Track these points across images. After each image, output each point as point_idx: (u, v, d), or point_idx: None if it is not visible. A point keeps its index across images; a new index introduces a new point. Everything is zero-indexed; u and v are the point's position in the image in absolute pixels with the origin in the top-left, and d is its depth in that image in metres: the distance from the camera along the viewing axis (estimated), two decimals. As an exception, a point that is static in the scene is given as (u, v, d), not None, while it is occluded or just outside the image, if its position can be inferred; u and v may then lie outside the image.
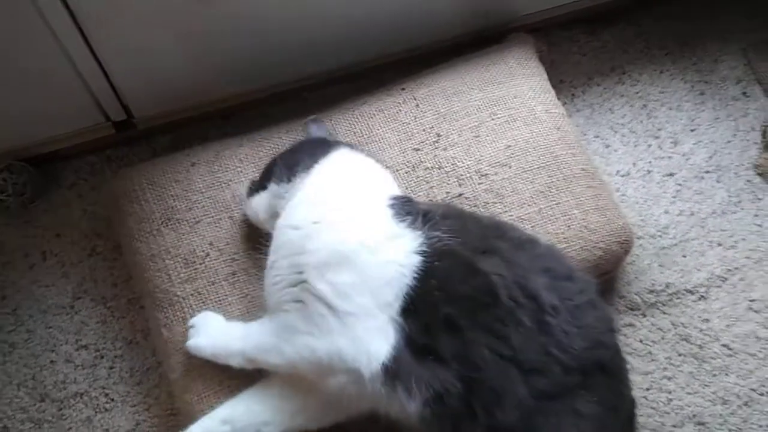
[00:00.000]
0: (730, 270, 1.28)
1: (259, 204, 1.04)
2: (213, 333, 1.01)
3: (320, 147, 1.05)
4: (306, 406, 0.96)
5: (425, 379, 0.87)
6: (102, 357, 1.18)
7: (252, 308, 1.07)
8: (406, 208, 0.96)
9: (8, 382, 1.16)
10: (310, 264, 0.91)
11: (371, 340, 0.88)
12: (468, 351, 0.87)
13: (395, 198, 0.99)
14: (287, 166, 1.02)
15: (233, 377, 1.00)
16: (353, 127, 1.20)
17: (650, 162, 1.38)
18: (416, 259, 0.90)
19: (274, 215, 1.00)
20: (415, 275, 0.89)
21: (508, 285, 0.90)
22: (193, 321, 1.03)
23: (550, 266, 0.96)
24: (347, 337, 0.88)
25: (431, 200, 1.14)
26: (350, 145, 1.10)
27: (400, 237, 0.92)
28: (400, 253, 0.90)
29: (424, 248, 0.91)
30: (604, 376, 0.92)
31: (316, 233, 0.93)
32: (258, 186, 1.06)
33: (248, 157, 1.17)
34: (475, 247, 0.93)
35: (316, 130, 1.14)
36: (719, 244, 1.31)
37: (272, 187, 1.02)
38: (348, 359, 0.88)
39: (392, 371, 0.87)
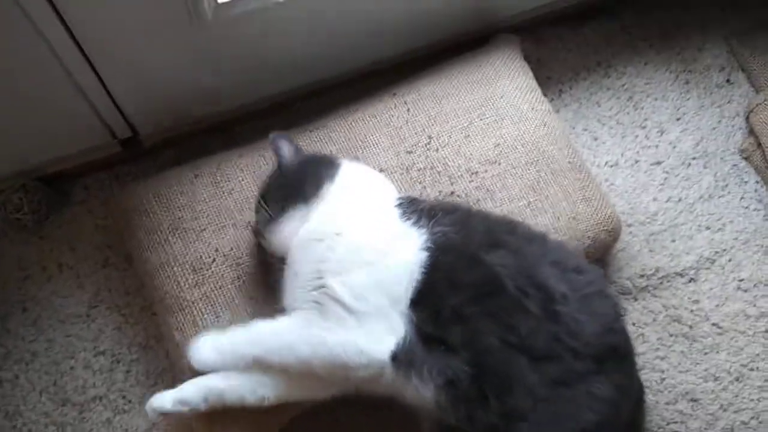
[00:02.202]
0: (718, 252, 1.32)
1: (287, 227, 1.03)
2: (220, 344, 1.01)
3: (331, 160, 1.10)
4: (305, 378, 0.98)
5: (437, 366, 0.91)
6: (118, 362, 1.23)
7: (259, 310, 1.11)
8: (411, 207, 1.03)
9: (31, 389, 1.22)
10: (330, 270, 0.96)
11: (385, 333, 0.93)
12: (476, 339, 0.91)
13: (401, 198, 1.06)
14: (313, 183, 1.04)
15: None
16: (348, 133, 1.25)
17: (638, 152, 1.42)
18: (423, 255, 0.96)
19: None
20: (423, 270, 0.95)
21: (514, 275, 0.94)
22: (198, 338, 1.03)
23: (559, 259, 1.00)
24: (362, 331, 0.93)
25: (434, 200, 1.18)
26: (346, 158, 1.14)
27: (408, 235, 0.98)
28: (408, 251, 0.96)
29: (430, 244, 0.96)
30: (616, 360, 0.96)
31: (336, 243, 0.98)
32: (280, 210, 1.04)
33: (248, 166, 1.22)
34: (480, 241, 0.98)
35: (284, 144, 1.11)
36: (707, 228, 1.35)
37: (300, 208, 1.03)
38: (364, 351, 0.93)
39: (405, 361, 0.92)
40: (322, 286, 0.96)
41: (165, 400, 0.98)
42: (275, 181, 1.10)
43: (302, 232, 1.02)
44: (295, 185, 1.06)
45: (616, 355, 0.96)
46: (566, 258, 1.02)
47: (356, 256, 0.97)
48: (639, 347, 1.24)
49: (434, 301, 0.93)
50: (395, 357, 0.93)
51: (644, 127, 1.44)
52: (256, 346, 0.99)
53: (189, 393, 0.99)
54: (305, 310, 0.97)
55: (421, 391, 0.93)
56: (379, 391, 0.99)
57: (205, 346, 1.01)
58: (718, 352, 1.24)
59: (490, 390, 0.90)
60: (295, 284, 0.99)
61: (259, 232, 1.09)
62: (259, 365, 0.99)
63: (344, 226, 1.00)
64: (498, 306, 0.93)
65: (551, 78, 1.48)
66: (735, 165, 1.41)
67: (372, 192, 1.08)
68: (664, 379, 1.23)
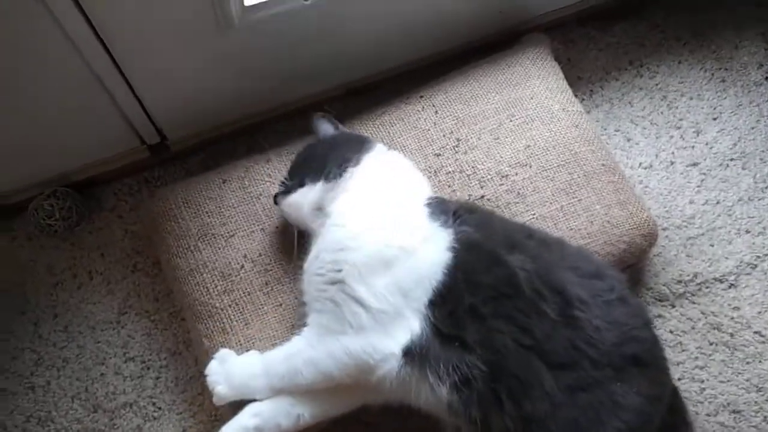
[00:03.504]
0: (759, 257, 1.28)
1: (299, 201, 1.05)
2: (232, 378, 1.01)
3: (361, 142, 1.09)
4: (332, 391, 0.98)
5: (452, 362, 0.90)
6: (148, 368, 1.24)
7: (287, 316, 1.11)
8: (440, 207, 1.01)
9: (63, 395, 1.23)
10: (350, 262, 0.95)
11: (400, 330, 0.93)
12: (491, 338, 0.90)
13: (431, 198, 1.04)
14: (336, 162, 1.04)
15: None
16: (375, 136, 1.24)
17: (673, 153, 1.38)
18: (447, 256, 0.95)
19: (319, 208, 1.04)
20: (445, 270, 0.94)
21: (531, 278, 0.92)
22: (208, 369, 1.03)
23: (578, 265, 0.98)
24: (379, 331, 0.93)
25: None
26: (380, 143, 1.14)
27: (434, 236, 0.97)
28: (433, 252, 0.95)
29: (454, 244, 0.96)
30: (640, 368, 0.93)
31: (360, 235, 0.98)
32: (297, 183, 1.06)
33: (276, 171, 1.21)
34: (500, 242, 0.97)
35: (325, 127, 1.15)
36: (747, 231, 1.31)
37: (315, 184, 1.04)
38: (378, 349, 0.93)
39: (422, 357, 0.92)
40: (340, 281, 0.95)
41: None
42: (301, 153, 1.10)
43: (329, 220, 1.01)
44: (317, 161, 1.06)
45: (638, 364, 0.93)
46: (585, 263, 1.00)
47: (380, 254, 0.96)
48: (677, 356, 1.21)
49: (453, 299, 0.93)
50: (409, 351, 0.92)
51: (679, 128, 1.41)
52: (271, 376, 0.99)
53: None
54: (320, 314, 0.97)
55: (437, 390, 0.91)
56: (399, 396, 0.97)
57: (220, 384, 1.01)
58: (761, 361, 1.20)
59: (504, 392, 0.89)
60: (313, 270, 0.99)
61: (275, 199, 1.10)
62: (279, 392, 0.99)
63: (369, 218, 0.99)
64: (513, 307, 0.92)
65: (582, 78, 1.45)
66: (775, 166, 1.37)
67: (401, 186, 1.06)
68: (704, 389, 1.19)
